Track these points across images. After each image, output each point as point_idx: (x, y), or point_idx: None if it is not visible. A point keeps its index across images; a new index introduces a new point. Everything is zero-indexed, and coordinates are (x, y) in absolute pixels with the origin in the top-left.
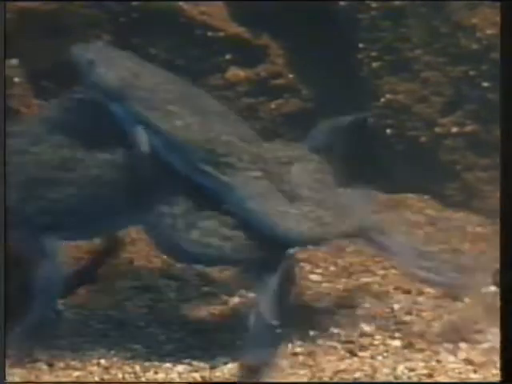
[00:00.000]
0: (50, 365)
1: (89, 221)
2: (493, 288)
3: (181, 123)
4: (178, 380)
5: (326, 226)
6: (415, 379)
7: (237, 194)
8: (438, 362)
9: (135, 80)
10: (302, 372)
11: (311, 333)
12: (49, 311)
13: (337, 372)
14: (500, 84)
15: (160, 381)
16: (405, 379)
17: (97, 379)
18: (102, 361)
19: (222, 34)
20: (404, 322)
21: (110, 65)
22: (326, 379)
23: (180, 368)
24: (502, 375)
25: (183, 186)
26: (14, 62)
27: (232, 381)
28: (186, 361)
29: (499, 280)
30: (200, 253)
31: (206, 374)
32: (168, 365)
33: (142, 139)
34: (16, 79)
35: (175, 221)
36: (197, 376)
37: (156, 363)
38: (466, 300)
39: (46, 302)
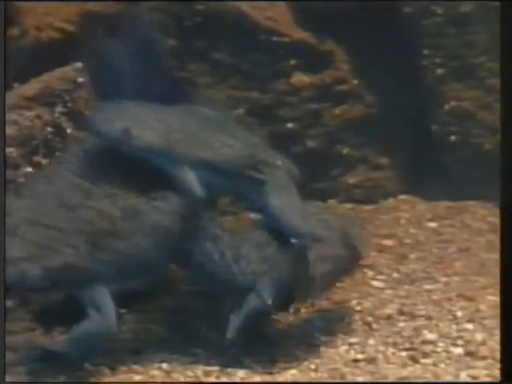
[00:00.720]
0: (112, 369)
1: (150, 268)
2: None
3: (219, 145)
4: None
5: None
6: None
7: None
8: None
9: (167, 127)
10: (362, 378)
11: (372, 340)
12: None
13: (399, 379)
14: (500, 84)
15: None
16: None
17: None
18: (164, 365)
19: (287, 39)
20: (466, 330)
21: (143, 126)
22: None
23: (241, 373)
24: (502, 375)
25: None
26: (79, 65)
27: None
28: (248, 365)
29: (499, 280)
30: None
31: (268, 378)
32: (230, 369)
33: (193, 182)
34: (80, 82)
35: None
36: (258, 380)
37: (217, 368)
38: None
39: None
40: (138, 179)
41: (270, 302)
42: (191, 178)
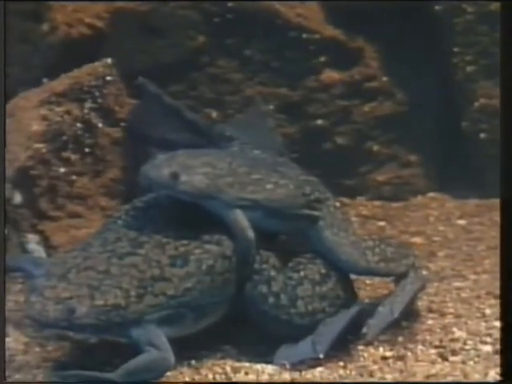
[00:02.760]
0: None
1: (203, 314)
2: None
3: (271, 186)
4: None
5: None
6: None
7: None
8: None
9: (215, 171)
10: (391, 376)
11: (401, 337)
12: None
13: (428, 376)
14: (500, 84)
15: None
16: None
17: (187, 379)
18: (193, 361)
19: (317, 36)
20: (495, 327)
21: (191, 171)
22: None
23: (270, 369)
24: (502, 375)
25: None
26: (108, 61)
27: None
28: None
29: (499, 281)
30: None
31: (297, 375)
32: (258, 366)
33: (244, 224)
34: (109, 78)
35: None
36: (287, 377)
37: (246, 364)
38: None
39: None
40: (190, 224)
41: (321, 356)
42: (242, 221)
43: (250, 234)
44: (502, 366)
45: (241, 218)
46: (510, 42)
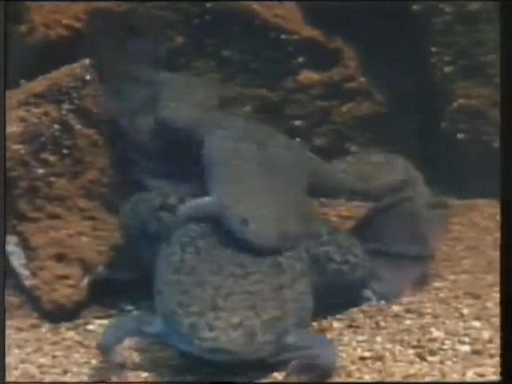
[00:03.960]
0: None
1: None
2: None
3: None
4: None
5: None
6: None
7: None
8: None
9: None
10: (369, 376)
11: (379, 337)
12: None
13: (406, 377)
14: (500, 84)
15: None
16: None
17: None
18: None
19: (295, 36)
20: (473, 327)
21: (262, 221)
22: None
23: None
24: (502, 375)
25: None
26: (86, 62)
27: None
28: None
29: (499, 280)
30: None
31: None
32: None
33: None
34: (87, 79)
35: None
36: None
37: None
38: None
39: None
40: None
41: None
42: None
43: None
44: (502, 365)
45: None
46: (510, 41)
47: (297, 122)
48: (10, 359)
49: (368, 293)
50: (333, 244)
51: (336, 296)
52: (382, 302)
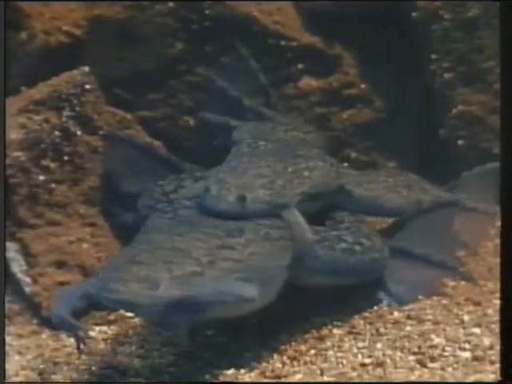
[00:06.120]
0: (123, 374)
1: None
2: None
3: (307, 172)
4: None
5: None
6: None
7: None
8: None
9: (268, 179)
10: None
11: (379, 344)
12: None
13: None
14: (500, 84)
15: None
16: None
17: None
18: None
19: (295, 43)
20: (473, 334)
21: (222, 187)
22: None
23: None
24: (502, 375)
25: None
26: (86, 69)
27: None
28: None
29: (499, 280)
30: None
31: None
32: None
33: (304, 226)
34: (87, 86)
35: None
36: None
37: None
38: None
39: None
40: None
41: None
42: (301, 222)
43: (310, 236)
44: (502, 365)
45: (300, 220)
46: (510, 42)
47: (299, 118)
48: (10, 366)
49: (381, 294)
50: (349, 229)
51: (350, 275)
52: (393, 304)
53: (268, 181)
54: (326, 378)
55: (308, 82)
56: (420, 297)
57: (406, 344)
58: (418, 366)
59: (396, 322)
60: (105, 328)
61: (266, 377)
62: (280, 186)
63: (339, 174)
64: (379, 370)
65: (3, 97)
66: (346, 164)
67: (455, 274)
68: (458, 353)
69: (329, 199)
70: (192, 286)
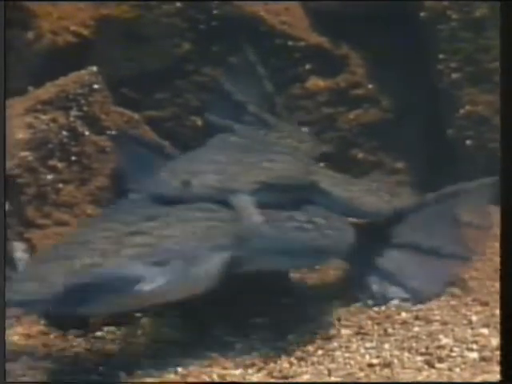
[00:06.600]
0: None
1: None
2: None
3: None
4: None
5: None
6: None
7: None
8: None
9: (219, 165)
10: None
11: (387, 344)
12: None
13: None
14: (500, 84)
15: None
16: None
17: None
18: (179, 369)
19: (302, 43)
20: (481, 334)
21: (168, 173)
22: None
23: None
24: (502, 375)
25: None
26: (94, 69)
27: None
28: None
29: (500, 280)
30: None
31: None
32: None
33: (251, 209)
34: (95, 86)
35: None
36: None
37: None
38: None
39: None
40: None
41: None
42: (247, 206)
43: (257, 217)
44: (502, 365)
45: (247, 204)
46: (510, 42)
47: (304, 129)
48: (18, 366)
49: (395, 289)
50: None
51: (304, 256)
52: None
53: (220, 167)
54: (333, 379)
55: (315, 82)
56: (437, 290)
57: (414, 344)
58: (425, 366)
59: (404, 323)
60: (113, 328)
61: (273, 377)
62: (233, 173)
63: (311, 172)
64: (387, 371)
65: (3, 97)
66: (322, 164)
67: (468, 263)
68: (466, 353)
69: (299, 194)
70: (86, 277)
